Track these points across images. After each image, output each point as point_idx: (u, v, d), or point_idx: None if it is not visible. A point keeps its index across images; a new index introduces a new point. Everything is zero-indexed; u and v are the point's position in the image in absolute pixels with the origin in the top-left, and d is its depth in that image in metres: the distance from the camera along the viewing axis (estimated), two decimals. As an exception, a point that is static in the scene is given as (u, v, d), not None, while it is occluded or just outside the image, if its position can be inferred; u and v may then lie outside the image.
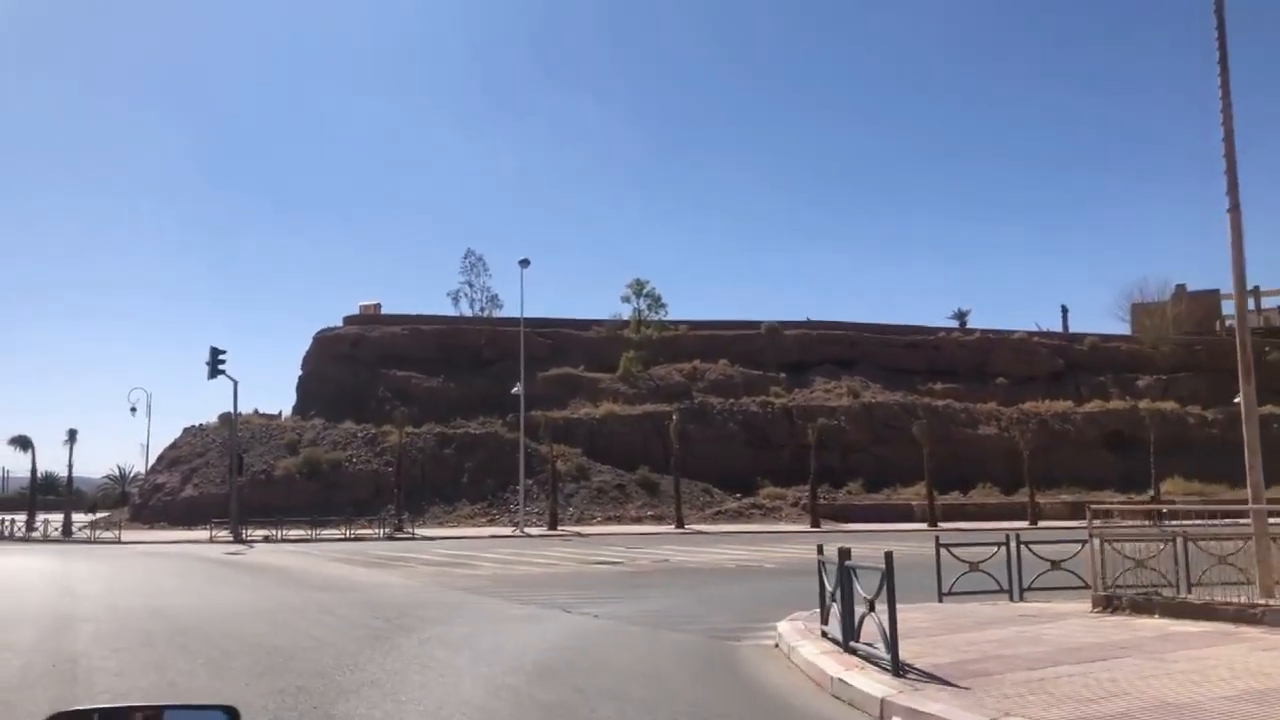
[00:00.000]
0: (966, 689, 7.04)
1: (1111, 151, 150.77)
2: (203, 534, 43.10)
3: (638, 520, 50.62)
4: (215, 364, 40.49)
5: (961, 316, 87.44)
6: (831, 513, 51.98)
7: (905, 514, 53.83)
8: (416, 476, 52.25)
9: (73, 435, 46.61)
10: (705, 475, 56.09)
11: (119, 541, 40.47)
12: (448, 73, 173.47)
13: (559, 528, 46.64)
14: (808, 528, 48.38)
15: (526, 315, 69.42)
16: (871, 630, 8.62)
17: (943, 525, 48.94)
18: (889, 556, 7.92)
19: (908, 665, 7.76)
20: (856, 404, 64.07)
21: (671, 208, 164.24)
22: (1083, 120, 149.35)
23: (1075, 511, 52.34)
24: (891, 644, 7.66)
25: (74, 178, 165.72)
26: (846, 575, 8.90)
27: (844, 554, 9.01)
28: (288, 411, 64.04)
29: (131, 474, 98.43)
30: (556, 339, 68.06)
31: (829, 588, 9.90)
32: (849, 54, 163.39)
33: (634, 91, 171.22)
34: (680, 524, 47.20)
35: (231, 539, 40.50)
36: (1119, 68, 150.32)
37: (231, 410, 45.45)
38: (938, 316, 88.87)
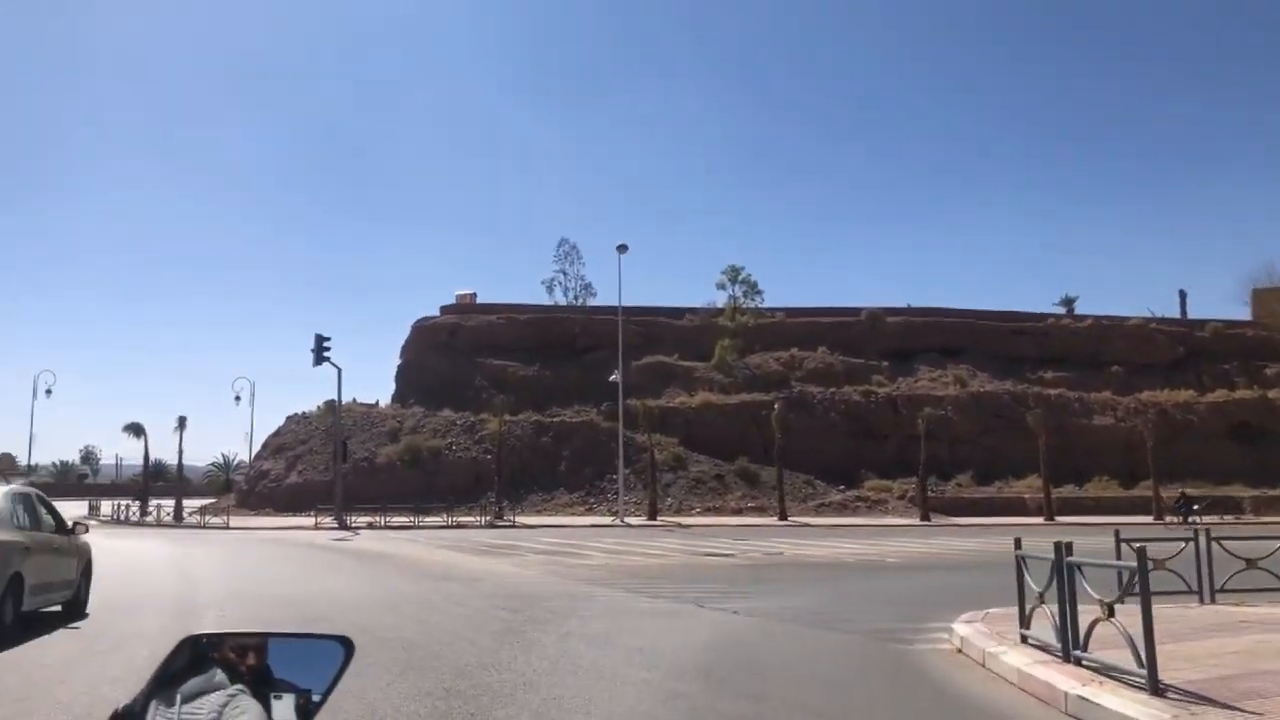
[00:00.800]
0: (1257, 715, 5.78)
1: (1229, 128, 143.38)
2: (308, 520, 43.42)
3: (738, 512, 49.46)
4: (320, 351, 40.63)
5: (1069, 303, 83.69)
6: (940, 506, 50.05)
7: (1018, 508, 51.59)
8: (514, 465, 51.93)
9: (182, 422, 47.34)
10: (806, 466, 54.63)
11: (227, 527, 40.99)
12: (540, 62, 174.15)
13: (658, 518, 45.82)
14: (917, 521, 46.60)
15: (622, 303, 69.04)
16: (1101, 638, 7.39)
17: (1060, 519, 46.73)
18: (1142, 552, 6.68)
19: (1164, 683, 6.51)
20: (964, 393, 61.79)
21: (766, 193, 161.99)
22: (1197, 96, 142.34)
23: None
24: (1149, 656, 6.41)
25: (177, 176, 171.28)
26: (1069, 573, 7.66)
27: (1063, 548, 7.77)
28: (384, 401, 64.54)
29: (235, 461, 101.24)
30: (650, 327, 67.14)
31: (1034, 587, 8.64)
32: (949, 29, 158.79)
33: (727, 75, 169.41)
34: (783, 516, 45.88)
35: (336, 525, 40.64)
36: (1236, 41, 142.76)
37: (335, 397, 45.69)
38: (1044, 303, 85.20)
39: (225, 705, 1.28)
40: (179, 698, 1.32)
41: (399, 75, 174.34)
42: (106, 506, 48.44)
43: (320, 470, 51.52)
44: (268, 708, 1.35)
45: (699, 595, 15.27)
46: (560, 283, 65.59)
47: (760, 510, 49.79)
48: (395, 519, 41.72)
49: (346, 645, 1.54)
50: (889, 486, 53.88)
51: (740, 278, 65.58)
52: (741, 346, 64.98)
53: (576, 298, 65.67)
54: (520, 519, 44.00)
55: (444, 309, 69.12)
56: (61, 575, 12.15)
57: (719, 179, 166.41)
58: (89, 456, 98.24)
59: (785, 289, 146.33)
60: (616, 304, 67.69)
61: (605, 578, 18.87)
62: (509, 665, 8.77)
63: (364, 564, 22.41)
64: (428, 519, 42.21)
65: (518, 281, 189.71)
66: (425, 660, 9.00)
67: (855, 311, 70.30)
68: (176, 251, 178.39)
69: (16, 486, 12.93)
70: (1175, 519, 42.87)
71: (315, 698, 1.44)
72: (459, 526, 41.53)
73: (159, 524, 43.90)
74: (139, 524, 44.44)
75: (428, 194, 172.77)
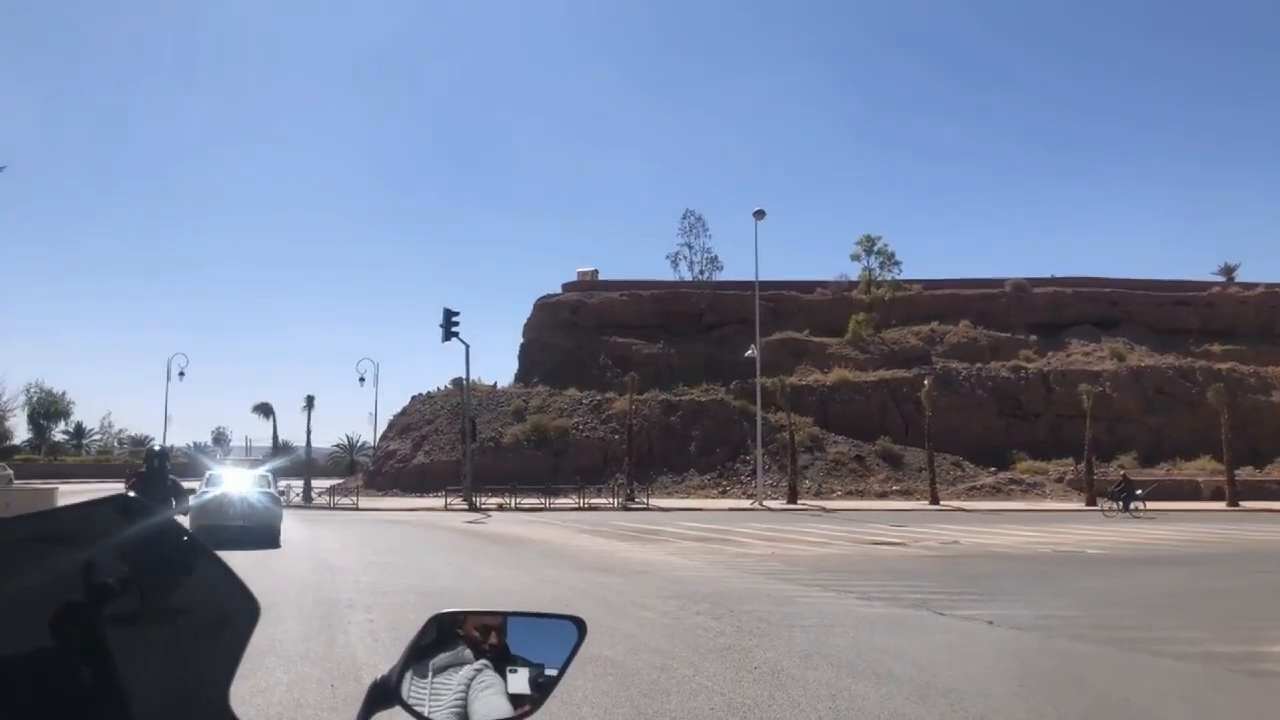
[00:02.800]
0: None
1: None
2: (436, 501, 42.27)
3: (882, 495, 46.36)
4: (449, 326, 39.11)
5: (1229, 271, 76.84)
6: (1103, 490, 45.85)
7: (1190, 492, 47.08)
8: (642, 445, 49.94)
9: (310, 401, 46.49)
10: (952, 447, 51.15)
11: (356, 508, 40.02)
12: (661, 35, 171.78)
13: (798, 501, 43.13)
14: (1082, 506, 42.75)
15: (747, 278, 66.24)
16: None
17: (1244, 505, 42.39)
18: None
19: None
20: (1123, 368, 56.96)
21: (897, 163, 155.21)
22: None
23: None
24: None
25: (303, 159, 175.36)
26: None
27: None
28: (504, 382, 63.14)
29: (359, 443, 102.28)
30: (779, 302, 64.12)
31: None
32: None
33: (859, 42, 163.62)
34: (935, 500, 42.63)
35: (466, 507, 39.26)
36: None
37: (461, 375, 44.40)
38: (1199, 271, 78.23)
39: (472, 679, 1.35)
40: (430, 671, 1.37)
41: (516, 60, 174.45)
42: (238, 486, 48.31)
43: (446, 450, 50.49)
44: (506, 681, 1.41)
45: (918, 597, 12.69)
46: (685, 256, 62.91)
47: (906, 494, 46.61)
48: (525, 500, 40.13)
49: (579, 625, 1.55)
50: (1044, 468, 49.91)
51: (876, 248, 61.91)
52: (877, 321, 61.47)
53: (702, 272, 62.98)
54: (653, 501, 41.86)
55: (566, 286, 67.47)
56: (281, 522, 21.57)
57: (848, 149, 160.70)
58: (220, 438, 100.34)
59: (921, 260, 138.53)
60: (743, 278, 65.00)
61: (784, 571, 16.43)
62: (767, 710, 6.37)
63: (508, 550, 20.48)
64: (558, 501, 40.55)
65: (640, 258, 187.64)
66: (651, 699, 6.67)
67: (998, 283, 65.80)
68: (302, 235, 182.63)
69: (268, 471, 23.46)
70: (1113, 506, 37.26)
71: (551, 673, 1.46)
72: (591, 509, 39.72)
73: (288, 504, 43.28)
74: (269, 504, 44.02)
75: (546, 175, 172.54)
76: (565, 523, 30.70)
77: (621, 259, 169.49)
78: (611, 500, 41.43)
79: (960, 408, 53.76)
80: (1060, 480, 48.58)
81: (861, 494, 46.47)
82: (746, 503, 42.31)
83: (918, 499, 45.00)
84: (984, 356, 59.11)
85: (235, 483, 21.63)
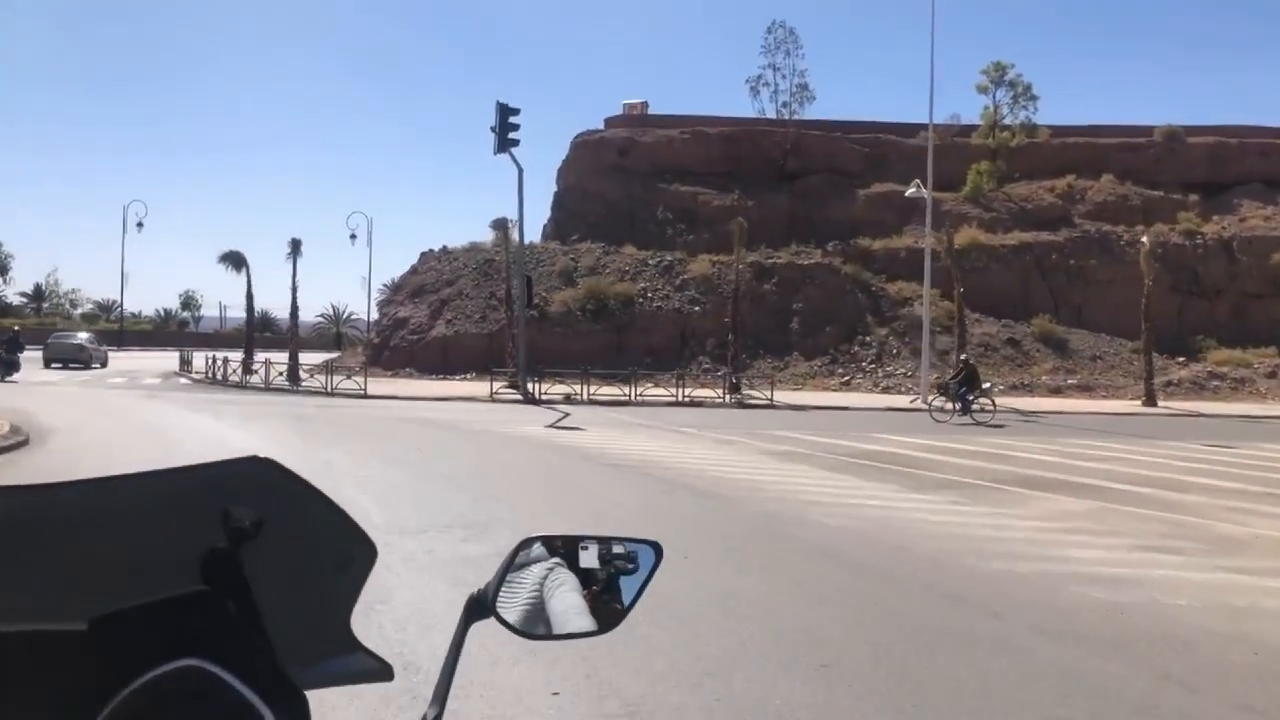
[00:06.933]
0: None
1: None
2: (470, 387, 31.02)
3: (1056, 391, 35.23)
4: (504, 132, 26.46)
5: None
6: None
7: None
8: (725, 319, 38.34)
9: (296, 247, 34.05)
10: (1114, 328, 40.31)
11: (365, 395, 28.36)
12: None
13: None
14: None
15: (835, 117, 53.90)
16: None
17: None
18: None
19: None
20: (1321, 236, 45.30)
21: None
22: None
23: None
24: None
25: None
26: None
27: None
28: (535, 238, 50.60)
29: (346, 313, 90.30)
30: (875, 147, 51.83)
31: None
32: None
33: None
34: (1151, 400, 31.40)
35: (520, 397, 27.86)
36: None
37: (505, 218, 32.36)
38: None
39: (545, 577, 1.33)
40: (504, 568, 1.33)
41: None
42: (200, 360, 36.27)
43: (475, 320, 38.77)
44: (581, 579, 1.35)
45: None
46: (769, 82, 49.90)
47: (1084, 389, 35.57)
48: (601, 390, 28.73)
49: (657, 550, 1.46)
50: (1245, 359, 38.79)
51: (1008, 78, 49.16)
52: (1000, 173, 49.32)
53: (785, 105, 50.26)
54: (768, 394, 30.24)
55: (609, 122, 54.40)
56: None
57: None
58: (189, 302, 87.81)
59: (1047, 103, 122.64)
60: (831, 116, 53.01)
61: None
62: None
63: (720, 512, 9.04)
64: (649, 391, 29.19)
65: (700, 92, 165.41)
66: None
67: (1145, 130, 53.29)
68: (285, 80, 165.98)
69: (85, 334, 44.55)
70: (949, 406, 24.06)
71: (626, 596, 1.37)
72: (694, 403, 28.52)
73: (268, 386, 31.58)
74: (241, 386, 32.19)
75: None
76: (697, 429, 19.45)
77: (676, 95, 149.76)
78: (718, 393, 30.07)
79: (1122, 281, 42.10)
80: (1272, 376, 37.56)
81: (1028, 388, 35.36)
82: (903, 399, 30.98)
83: (1103, 396, 34.08)
84: (1135, 219, 47.18)
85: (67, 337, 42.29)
